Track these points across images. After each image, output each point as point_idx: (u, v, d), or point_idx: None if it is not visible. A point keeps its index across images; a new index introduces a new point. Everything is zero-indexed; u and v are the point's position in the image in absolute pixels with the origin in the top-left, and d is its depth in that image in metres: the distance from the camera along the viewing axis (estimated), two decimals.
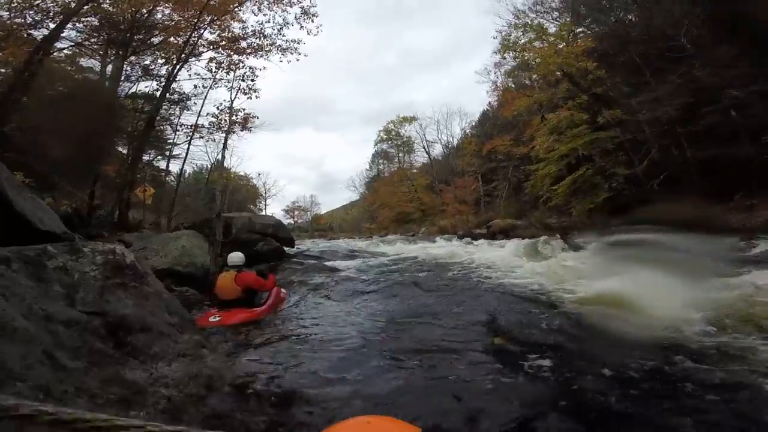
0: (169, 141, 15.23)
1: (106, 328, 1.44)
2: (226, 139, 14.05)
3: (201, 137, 14.22)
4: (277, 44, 12.05)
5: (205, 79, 12.72)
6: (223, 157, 16.09)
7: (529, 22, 16.70)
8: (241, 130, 14.10)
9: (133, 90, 12.42)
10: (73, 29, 9.66)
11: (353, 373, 2.41)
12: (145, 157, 14.32)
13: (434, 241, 15.63)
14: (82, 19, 9.61)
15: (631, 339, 2.63)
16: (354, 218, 45.24)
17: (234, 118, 13.71)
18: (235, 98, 13.47)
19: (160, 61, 11.73)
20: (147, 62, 11.81)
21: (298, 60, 12.35)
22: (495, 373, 2.34)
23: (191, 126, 13.72)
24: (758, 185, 9.60)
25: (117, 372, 1.25)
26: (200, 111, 13.46)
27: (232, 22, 11.72)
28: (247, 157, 50.87)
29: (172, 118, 14.14)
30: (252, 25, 11.99)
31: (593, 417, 1.86)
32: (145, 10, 10.26)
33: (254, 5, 11.47)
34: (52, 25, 8.88)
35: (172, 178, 17.38)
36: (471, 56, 72.61)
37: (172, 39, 11.08)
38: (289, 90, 72.32)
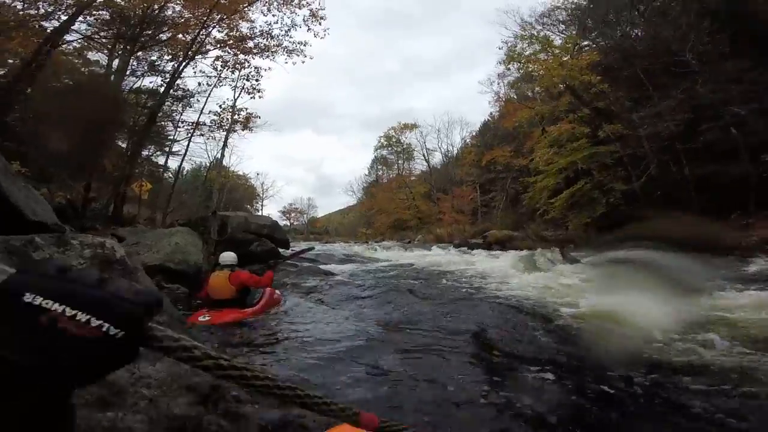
0: (169, 137, 15.18)
1: None
2: (226, 138, 14.04)
3: (202, 135, 14.19)
4: (283, 45, 12.12)
5: (210, 77, 12.73)
6: (223, 155, 16.07)
7: (535, 34, 16.87)
8: (242, 130, 14.10)
9: (137, 85, 12.43)
10: (84, 22, 9.69)
11: (344, 377, 2.38)
12: (144, 152, 14.25)
13: (430, 249, 15.58)
14: (94, 12, 9.62)
15: (620, 353, 2.66)
16: (350, 223, 45.16)
17: (236, 117, 13.70)
18: (238, 97, 13.47)
19: (166, 57, 11.76)
20: (154, 58, 11.83)
21: (303, 62, 12.41)
22: (486, 381, 2.34)
23: (193, 123, 13.70)
24: (755, 204, 9.66)
25: None
26: (203, 108, 13.44)
27: (240, 21, 11.78)
28: (247, 156, 50.79)
29: (174, 114, 14.12)
30: (260, 26, 12.08)
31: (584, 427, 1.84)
32: (156, 6, 10.28)
33: (264, 5, 11.54)
34: (63, 17, 8.89)
35: (170, 175, 17.29)
36: (473, 67, 73.24)
37: (180, 36, 11.11)
38: (292, 91, 72.62)
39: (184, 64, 11.38)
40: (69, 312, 0.27)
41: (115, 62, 11.04)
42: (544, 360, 2.70)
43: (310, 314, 4.40)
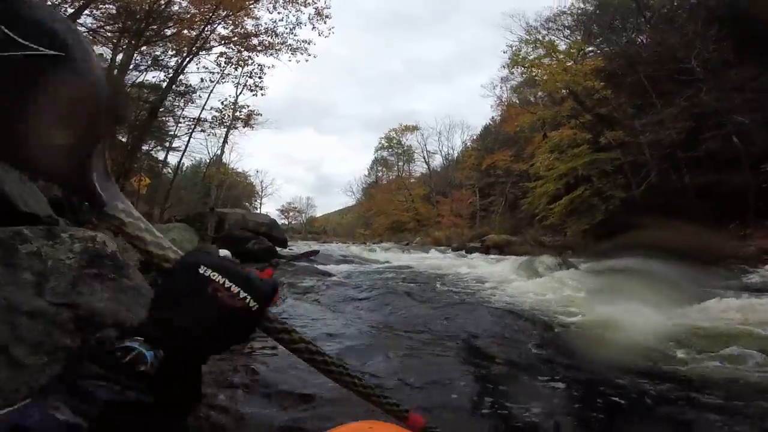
0: (170, 132, 15.13)
1: (74, 322, 1.33)
2: (227, 134, 13.99)
3: (202, 131, 14.18)
4: (287, 43, 12.13)
5: (213, 74, 12.71)
6: (223, 151, 16.00)
7: (540, 39, 16.90)
8: (243, 127, 14.07)
9: (140, 79, 12.38)
10: (90, 16, 9.64)
11: (332, 382, 2.32)
12: (144, 147, 14.19)
13: (428, 251, 15.53)
14: (101, 6, 9.58)
15: (614, 361, 2.67)
16: (349, 223, 45.14)
17: (237, 114, 13.66)
18: (240, 94, 13.44)
19: (170, 52, 11.74)
20: (158, 53, 11.81)
21: (307, 61, 12.42)
22: (481, 386, 2.32)
23: (194, 119, 13.67)
24: (755, 214, 9.66)
25: None
26: (204, 105, 13.40)
27: (246, 18, 11.76)
28: (247, 154, 50.83)
29: (175, 109, 14.08)
30: (265, 23, 12.07)
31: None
32: (163, 1, 10.25)
33: (270, 3, 11.53)
34: (70, 10, 8.83)
35: (170, 170, 17.22)
36: (476, 70, 73.56)
37: (185, 32, 11.08)
38: (295, 90, 72.68)
39: (187, 59, 11.39)
40: (227, 284, 0.35)
41: (119, 56, 11.00)
42: (539, 366, 2.69)
43: (306, 314, 4.34)
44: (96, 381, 0.30)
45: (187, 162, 20.90)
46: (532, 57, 16.40)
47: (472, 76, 77.07)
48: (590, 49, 17.30)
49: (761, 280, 6.30)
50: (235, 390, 2.04)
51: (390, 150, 38.08)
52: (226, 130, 14.08)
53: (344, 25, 67.76)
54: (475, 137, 33.10)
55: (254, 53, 12.27)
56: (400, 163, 38.09)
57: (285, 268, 7.60)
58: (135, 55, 10.93)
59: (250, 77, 12.82)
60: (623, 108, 13.90)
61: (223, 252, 4.31)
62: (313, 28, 11.86)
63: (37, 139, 0.38)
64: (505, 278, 7.04)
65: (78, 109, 0.39)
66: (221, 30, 11.77)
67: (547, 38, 16.99)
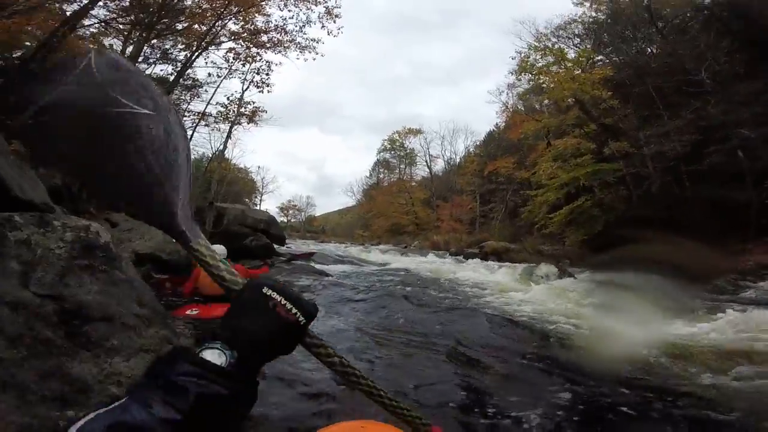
0: None
1: (59, 315, 1.28)
2: (230, 130, 13.91)
3: (207, 125, 14.10)
4: (296, 41, 12.05)
5: (221, 69, 12.64)
6: (225, 146, 15.93)
7: (550, 46, 16.83)
8: (248, 123, 13.98)
9: (148, 72, 12.33)
10: (103, 7, 9.62)
11: (329, 379, 2.32)
12: None
13: (426, 255, 15.49)
14: None
15: (609, 371, 2.72)
16: (348, 224, 45.06)
17: (242, 110, 13.60)
18: (246, 89, 13.37)
19: (180, 46, 11.69)
20: (167, 46, 11.76)
21: (314, 59, 12.35)
22: (477, 391, 2.32)
23: (199, 113, 13.59)
24: (756, 229, 9.62)
25: (61, 365, 1.10)
26: (210, 99, 13.35)
27: (256, 14, 11.70)
28: (250, 150, 50.71)
29: (181, 103, 14.03)
30: (275, 20, 11.99)
31: None
32: None
33: (281, 0, 11.50)
34: (85, 1, 8.82)
35: None
36: (482, 76, 73.68)
37: (196, 26, 11.04)
38: (301, 88, 72.73)
39: (196, 54, 11.33)
40: (283, 302, 0.43)
41: (129, 49, 10.96)
42: (534, 374, 2.70)
43: None
44: (189, 377, 0.36)
45: None
46: (540, 64, 16.37)
47: (478, 82, 77.09)
48: (599, 58, 17.23)
49: (758, 295, 6.30)
50: None
51: (392, 152, 38.11)
52: (230, 125, 14.01)
53: (353, 26, 68.06)
54: (478, 143, 33.10)
55: (263, 50, 12.23)
56: (402, 166, 38.11)
57: (282, 266, 7.56)
58: (145, 47, 10.90)
59: (258, 74, 12.79)
60: (629, 119, 13.86)
61: (218, 248, 4.26)
62: (323, 27, 11.84)
63: (146, 188, 0.48)
64: (502, 285, 7.00)
65: (167, 159, 0.49)
66: (231, 26, 11.75)
67: (556, 46, 16.93)
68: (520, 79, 18.95)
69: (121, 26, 10.52)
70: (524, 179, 20.89)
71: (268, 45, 12.04)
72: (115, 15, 10.07)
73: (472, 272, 9.16)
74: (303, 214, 47.34)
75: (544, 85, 17.05)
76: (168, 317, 2.09)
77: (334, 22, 11.76)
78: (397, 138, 36.93)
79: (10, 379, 0.93)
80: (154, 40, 11.03)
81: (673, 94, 12.39)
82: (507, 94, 23.28)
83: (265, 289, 0.44)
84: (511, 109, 23.75)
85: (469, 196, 29.04)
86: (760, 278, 7.55)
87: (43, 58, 8.26)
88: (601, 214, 14.06)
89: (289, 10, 11.71)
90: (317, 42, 12.12)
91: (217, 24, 11.03)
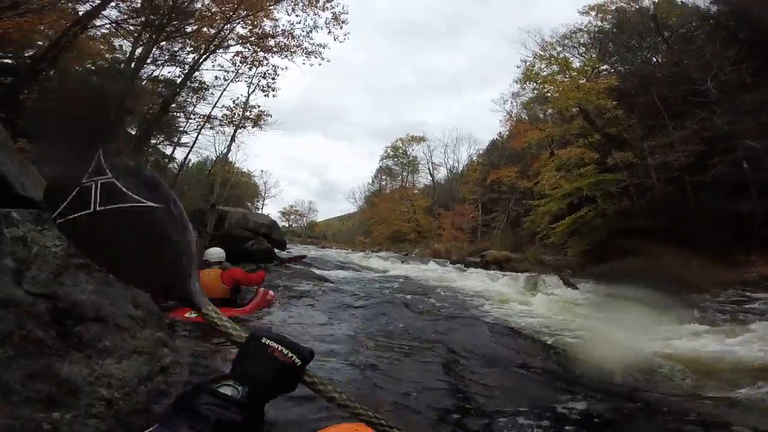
0: (179, 128, 15.16)
1: (51, 314, 1.25)
2: (234, 133, 13.96)
3: (212, 128, 14.15)
4: (303, 46, 12.14)
5: (228, 72, 12.72)
6: (229, 149, 15.96)
7: (555, 55, 16.88)
8: (252, 127, 14.03)
9: (156, 73, 12.45)
10: (115, 8, 9.74)
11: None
12: (153, 141, 14.23)
13: (427, 263, 15.42)
14: None
15: (606, 383, 2.70)
16: (349, 230, 44.98)
17: (247, 113, 13.65)
18: (251, 93, 13.44)
19: (188, 49, 11.80)
20: (176, 49, 11.87)
21: (320, 65, 12.43)
22: (474, 398, 2.30)
23: (204, 116, 13.66)
24: (758, 241, 9.55)
25: (50, 366, 1.07)
26: (216, 102, 13.42)
27: (264, 19, 11.82)
28: (253, 154, 50.76)
29: (187, 105, 14.11)
30: (283, 25, 12.10)
31: None
32: None
33: (289, 5, 11.62)
34: (97, 1, 8.94)
35: (176, 165, 17.23)
36: (487, 85, 73.64)
37: (204, 29, 11.16)
38: (306, 93, 72.98)
39: (204, 57, 11.43)
40: (280, 348, 0.52)
41: (138, 50, 11.08)
42: (535, 384, 2.66)
43: (301, 319, 4.25)
44: (210, 407, 0.44)
45: (193, 158, 20.97)
46: (545, 73, 16.42)
47: (482, 90, 77.17)
48: (604, 67, 17.25)
49: (760, 307, 6.24)
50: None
51: (395, 159, 38.15)
52: (234, 128, 14.07)
53: (360, 32, 68.34)
54: (481, 151, 33.10)
55: (270, 54, 12.32)
56: (405, 173, 38.13)
57: (281, 271, 7.51)
58: (154, 49, 11.01)
59: (264, 78, 12.87)
60: (634, 129, 13.81)
61: (216, 251, 4.23)
62: (329, 32, 11.95)
63: (167, 267, 0.58)
64: (504, 294, 6.94)
65: (173, 244, 0.58)
66: (240, 29, 11.86)
67: (561, 55, 16.97)
68: (524, 88, 19.01)
69: (131, 27, 10.64)
70: (527, 189, 20.85)
71: (275, 49, 12.14)
72: (126, 16, 10.19)
73: (473, 281, 9.09)
74: (305, 219, 47.36)
75: (549, 94, 17.08)
76: (163, 319, 2.06)
77: (341, 27, 11.87)
78: (400, 145, 37.04)
79: None
80: (163, 42, 11.13)
81: (678, 104, 12.36)
82: (511, 102, 23.32)
83: (264, 339, 0.52)
84: (514, 118, 23.79)
85: (471, 205, 29.01)
86: (763, 290, 7.51)
87: (54, 57, 8.35)
88: (603, 224, 13.98)
89: (297, 15, 11.83)
90: (323, 47, 12.22)
91: (225, 27, 11.15)
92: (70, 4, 8.99)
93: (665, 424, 2.11)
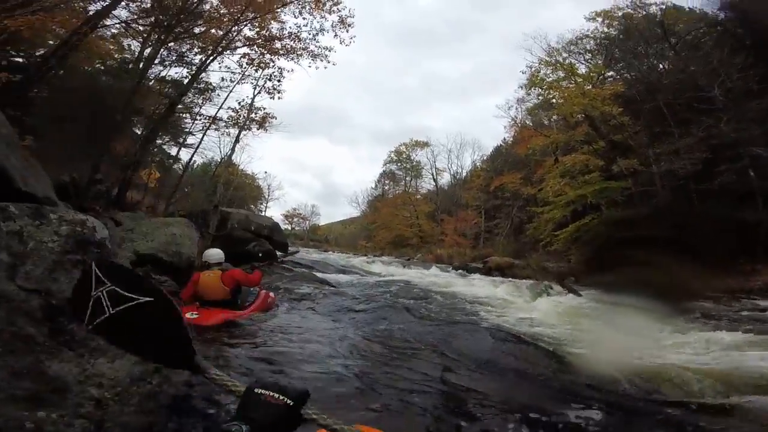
0: (185, 129, 15.25)
1: (44, 311, 1.22)
2: (239, 134, 14.00)
3: (217, 129, 14.22)
4: (309, 49, 12.18)
5: (234, 74, 12.78)
6: (233, 150, 16.01)
7: (561, 61, 16.83)
8: (257, 129, 14.06)
9: (163, 74, 12.54)
10: (125, 8, 9.83)
11: (326, 389, 2.28)
12: (158, 141, 14.31)
13: (429, 268, 15.34)
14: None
15: (608, 390, 2.68)
16: (351, 234, 44.93)
17: (253, 115, 13.69)
18: (256, 95, 13.49)
19: (195, 50, 11.88)
20: (183, 50, 11.95)
21: (326, 68, 12.46)
22: (472, 403, 2.28)
23: (210, 117, 13.73)
24: (764, 250, 9.45)
25: (39, 364, 1.03)
26: (222, 104, 13.48)
27: (272, 21, 11.89)
28: (258, 157, 50.95)
29: (193, 106, 14.20)
30: (290, 27, 12.16)
31: None
32: None
33: (296, 8, 11.69)
34: (108, 0, 9.04)
35: (181, 165, 17.30)
36: (491, 92, 73.65)
37: (213, 30, 11.24)
38: (311, 97, 73.18)
39: (211, 58, 11.50)
40: (272, 393, 0.61)
41: (147, 50, 11.17)
42: (537, 391, 2.63)
43: (302, 322, 4.21)
44: None
45: (198, 160, 21.06)
46: (550, 79, 16.38)
47: (487, 96, 76.98)
48: (610, 73, 17.21)
49: (765, 316, 6.16)
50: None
51: (399, 164, 38.10)
52: (239, 130, 14.11)
53: (365, 37, 68.40)
54: (485, 157, 32.97)
55: (276, 56, 12.37)
56: (408, 178, 38.04)
57: (283, 273, 7.48)
58: (162, 49, 11.10)
59: (270, 80, 12.91)
60: (639, 136, 13.71)
61: (215, 251, 4.20)
62: (335, 35, 12.01)
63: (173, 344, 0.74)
64: (506, 301, 6.87)
65: (171, 325, 0.74)
66: (247, 31, 11.93)
67: (567, 61, 16.95)
68: (529, 94, 18.99)
69: (140, 28, 10.73)
70: (530, 195, 20.75)
71: (281, 51, 12.18)
72: (135, 16, 10.29)
73: (475, 287, 9.01)
74: (307, 222, 47.36)
75: (554, 100, 17.04)
76: None
77: (347, 31, 11.92)
78: (404, 150, 37.01)
79: None
80: (172, 43, 11.22)
81: (684, 111, 12.26)
82: (516, 108, 23.26)
83: (256, 390, 0.62)
84: (519, 124, 23.74)
85: (474, 211, 28.91)
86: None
87: (63, 55, 8.42)
88: (607, 232, 13.86)
89: (304, 18, 11.88)
90: (329, 50, 12.26)
91: (233, 29, 11.21)
92: (81, 3, 9.09)
93: None
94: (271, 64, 12.47)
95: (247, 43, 12.04)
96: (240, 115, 13.54)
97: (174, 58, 11.96)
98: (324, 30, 11.92)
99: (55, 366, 1.07)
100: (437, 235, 29.29)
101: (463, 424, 2.05)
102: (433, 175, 35.55)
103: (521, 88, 19.10)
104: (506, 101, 39.82)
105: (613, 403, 2.46)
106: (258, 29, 11.84)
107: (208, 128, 13.82)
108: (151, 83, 11.91)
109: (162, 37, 10.51)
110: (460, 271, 14.85)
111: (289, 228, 42.80)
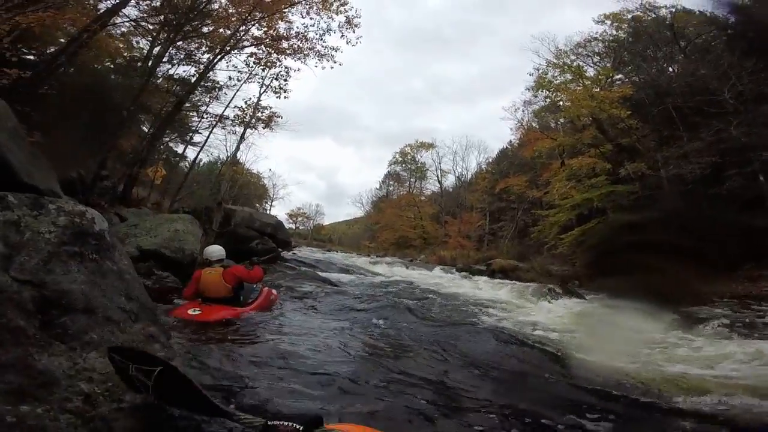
0: (192, 127, 15.33)
1: (36, 303, 1.19)
2: (243, 132, 14.04)
3: (223, 128, 14.27)
4: (316, 49, 12.21)
5: (241, 73, 12.84)
6: (238, 148, 16.06)
7: (569, 63, 16.68)
8: (263, 128, 14.10)
9: (171, 71, 12.62)
10: (135, 7, 9.91)
11: (327, 389, 2.27)
12: (165, 139, 14.39)
13: (432, 269, 15.29)
14: None
15: (608, 396, 2.60)
16: (355, 234, 44.93)
17: (259, 114, 13.73)
18: (262, 93, 13.52)
19: (204, 49, 11.94)
20: (192, 48, 12.02)
21: (332, 68, 12.48)
22: (472, 403, 2.26)
23: (217, 116, 13.79)
24: None
25: (26, 357, 1.01)
26: (229, 103, 13.53)
27: (279, 21, 11.94)
28: (263, 156, 50.98)
29: (200, 105, 14.27)
30: (297, 27, 12.20)
31: None
32: None
33: (303, 8, 11.73)
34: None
35: (187, 163, 17.40)
36: (497, 94, 73.06)
37: (221, 30, 11.29)
38: (316, 97, 73.31)
39: (219, 57, 11.56)
40: (283, 422, 0.79)
41: (155, 49, 11.23)
42: (537, 397, 2.53)
43: (303, 320, 4.19)
44: None
45: (204, 157, 21.15)
46: (558, 81, 16.21)
47: (493, 99, 76.52)
48: (619, 76, 17.01)
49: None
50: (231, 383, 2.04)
51: (404, 165, 38.06)
52: (244, 128, 14.14)
53: (371, 39, 68.59)
54: (490, 160, 32.79)
55: (283, 56, 12.41)
56: (412, 180, 37.97)
57: (286, 271, 7.47)
58: (170, 48, 11.17)
59: (276, 79, 12.95)
60: (647, 139, 13.53)
61: (216, 248, 4.18)
62: (342, 36, 12.02)
63: None
64: (510, 303, 6.80)
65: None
66: (255, 31, 11.98)
67: (575, 63, 16.74)
68: (536, 96, 18.86)
69: (150, 26, 10.80)
70: (535, 198, 20.60)
71: (288, 51, 12.23)
72: (145, 15, 10.36)
73: (479, 289, 8.95)
74: (311, 222, 47.41)
75: (561, 103, 16.89)
76: (158, 313, 2.00)
77: (354, 31, 11.92)
78: (409, 151, 36.99)
79: None
80: (180, 42, 11.28)
81: (693, 115, 12.07)
82: (522, 111, 23.15)
83: (269, 422, 0.74)
84: (525, 127, 23.60)
85: (478, 213, 28.79)
86: None
87: (73, 53, 8.48)
88: (612, 235, 13.71)
89: (311, 18, 11.92)
90: (336, 50, 12.28)
91: (241, 29, 11.26)
92: (91, 1, 9.17)
93: None
94: (278, 63, 12.53)
95: (255, 42, 12.09)
96: (246, 114, 13.60)
97: (182, 56, 12.03)
98: (331, 30, 11.96)
99: (45, 359, 1.05)
100: (441, 237, 29.21)
101: (463, 425, 2.02)
102: (437, 176, 35.54)
103: (528, 90, 19.00)
104: (513, 103, 39.64)
105: (616, 407, 2.41)
106: (265, 29, 11.89)
107: (214, 126, 13.89)
108: (159, 81, 11.97)
109: (171, 36, 10.56)
110: (463, 272, 14.76)
111: (294, 227, 42.85)
